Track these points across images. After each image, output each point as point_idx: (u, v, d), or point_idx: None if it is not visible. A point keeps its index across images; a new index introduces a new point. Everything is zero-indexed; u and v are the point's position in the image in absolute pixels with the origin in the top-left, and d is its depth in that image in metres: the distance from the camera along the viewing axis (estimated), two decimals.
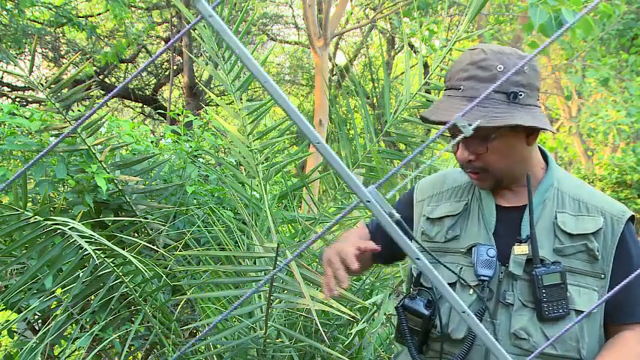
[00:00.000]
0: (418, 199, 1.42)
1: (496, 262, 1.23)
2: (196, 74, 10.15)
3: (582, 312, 1.19)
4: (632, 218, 1.26)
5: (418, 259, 0.61)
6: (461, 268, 1.26)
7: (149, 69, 11.58)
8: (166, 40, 10.44)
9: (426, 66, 8.68)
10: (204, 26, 2.64)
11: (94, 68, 9.14)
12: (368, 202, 0.59)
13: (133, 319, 2.34)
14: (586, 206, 1.26)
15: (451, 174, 1.43)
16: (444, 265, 1.26)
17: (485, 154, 1.22)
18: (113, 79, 11.10)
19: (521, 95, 1.18)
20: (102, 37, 9.79)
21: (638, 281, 1.24)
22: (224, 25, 0.54)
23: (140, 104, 11.46)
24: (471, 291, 1.23)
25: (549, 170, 1.31)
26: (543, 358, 1.19)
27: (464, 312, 0.60)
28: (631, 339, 1.23)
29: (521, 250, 1.22)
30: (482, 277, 1.22)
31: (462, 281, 1.25)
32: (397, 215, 0.64)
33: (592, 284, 1.22)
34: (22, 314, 2.18)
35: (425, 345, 1.29)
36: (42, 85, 2.31)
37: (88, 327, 2.29)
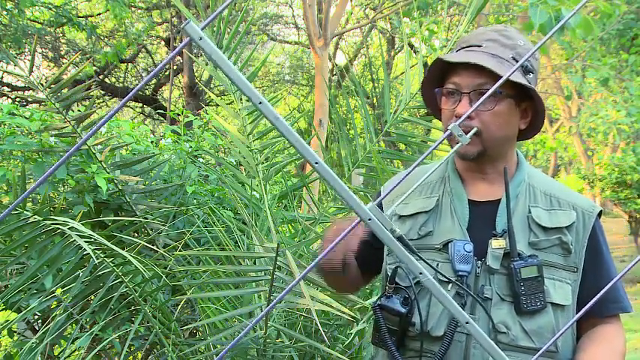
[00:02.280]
0: (387, 199, 1.39)
1: (473, 258, 1.22)
2: (196, 74, 10.15)
3: (558, 305, 1.22)
4: (599, 213, 1.30)
5: (421, 273, 0.61)
6: (437, 264, 1.25)
7: (149, 69, 11.58)
8: (166, 40, 10.44)
9: (425, 66, 8.67)
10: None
11: (94, 68, 9.14)
12: (369, 220, 0.59)
13: (132, 319, 2.34)
14: (558, 201, 1.28)
15: (419, 171, 1.42)
16: (432, 267, 1.23)
17: (486, 114, 1.22)
18: (113, 79, 11.11)
19: (531, 74, 1.25)
20: (102, 37, 9.79)
21: (611, 276, 1.28)
22: (215, 47, 0.53)
23: (140, 104, 11.46)
24: (450, 286, 1.22)
25: (520, 165, 1.33)
26: (523, 351, 1.20)
27: (467, 323, 0.60)
28: (609, 332, 1.26)
29: (498, 244, 1.22)
30: (460, 273, 1.21)
31: (444, 277, 1.23)
32: (398, 231, 0.63)
33: (566, 277, 1.24)
34: (21, 314, 2.18)
35: (402, 345, 1.27)
36: (42, 85, 2.31)
37: (88, 327, 2.29)
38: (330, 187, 0.59)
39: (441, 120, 1.35)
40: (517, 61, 1.22)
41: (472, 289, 1.22)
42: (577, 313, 1.26)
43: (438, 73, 1.30)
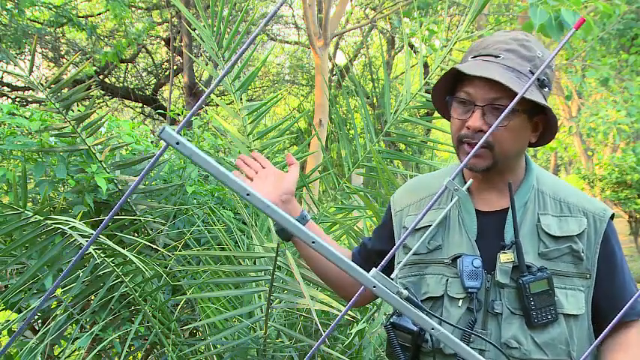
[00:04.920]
0: (396, 209, 1.39)
1: (482, 272, 1.21)
2: (196, 74, 10.15)
3: (570, 315, 1.20)
4: (612, 216, 1.27)
5: (433, 329, 0.63)
6: (447, 280, 1.24)
7: (149, 69, 11.59)
8: (166, 40, 10.43)
9: (426, 66, 8.68)
10: (204, 26, 2.63)
11: (94, 68, 9.14)
12: (374, 287, 0.60)
13: (133, 319, 2.34)
14: (568, 206, 1.26)
15: (424, 181, 1.40)
16: (421, 309, 1.17)
17: (499, 129, 1.19)
18: (113, 79, 11.11)
19: (546, 88, 1.22)
20: (102, 37, 9.79)
21: (630, 279, 1.27)
22: (194, 147, 0.54)
23: (140, 104, 11.46)
24: (460, 303, 1.21)
25: (528, 170, 1.30)
26: None
27: None
28: (633, 336, 1.25)
29: (506, 257, 1.20)
30: (470, 290, 1.20)
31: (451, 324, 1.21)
32: (405, 292, 0.64)
33: (578, 285, 1.22)
34: (22, 314, 2.18)
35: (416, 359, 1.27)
36: (42, 85, 2.31)
37: (88, 327, 2.29)
38: (332, 262, 0.62)
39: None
40: (533, 73, 1.18)
41: (482, 303, 1.21)
42: (593, 318, 1.24)
43: (451, 79, 1.27)
